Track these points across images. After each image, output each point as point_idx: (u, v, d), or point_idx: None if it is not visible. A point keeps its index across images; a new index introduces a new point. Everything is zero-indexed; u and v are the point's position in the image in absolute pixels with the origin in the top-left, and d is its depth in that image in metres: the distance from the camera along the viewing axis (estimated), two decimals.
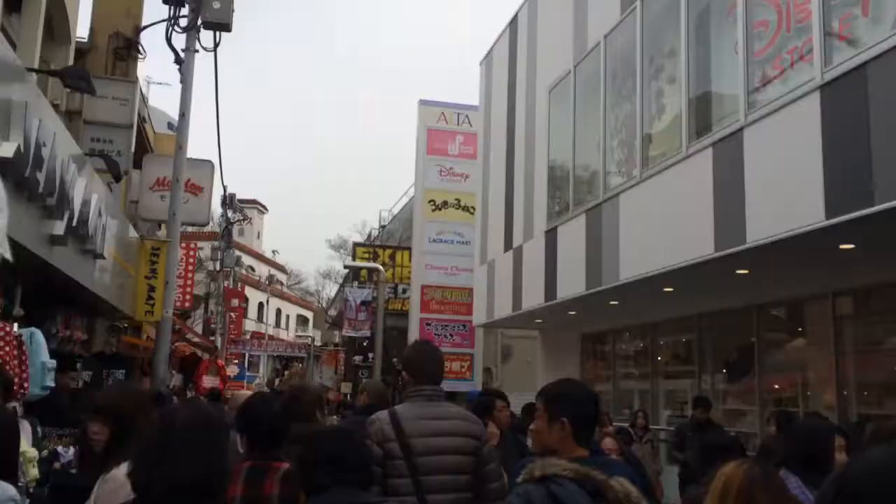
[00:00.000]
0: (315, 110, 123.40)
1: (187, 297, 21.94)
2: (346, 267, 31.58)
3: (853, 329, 8.53)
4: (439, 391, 3.47)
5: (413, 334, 20.12)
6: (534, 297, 12.91)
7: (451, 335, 20.58)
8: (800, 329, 9.46)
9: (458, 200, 21.41)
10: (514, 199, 14.41)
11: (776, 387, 9.51)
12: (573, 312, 13.21)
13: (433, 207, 21.43)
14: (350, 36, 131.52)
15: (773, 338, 9.92)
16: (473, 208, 18.94)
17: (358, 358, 29.43)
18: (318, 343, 46.80)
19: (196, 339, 24.65)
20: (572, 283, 11.31)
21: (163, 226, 14.07)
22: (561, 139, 12.41)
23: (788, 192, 6.80)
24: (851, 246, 7.08)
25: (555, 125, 12.66)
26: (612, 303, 11.69)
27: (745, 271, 8.61)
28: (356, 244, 32.34)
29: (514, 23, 15.02)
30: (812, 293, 8.82)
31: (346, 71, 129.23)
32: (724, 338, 10.94)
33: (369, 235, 36.83)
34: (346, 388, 28.39)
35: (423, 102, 22.08)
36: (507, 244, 14.57)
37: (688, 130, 8.64)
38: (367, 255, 28.32)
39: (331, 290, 49.40)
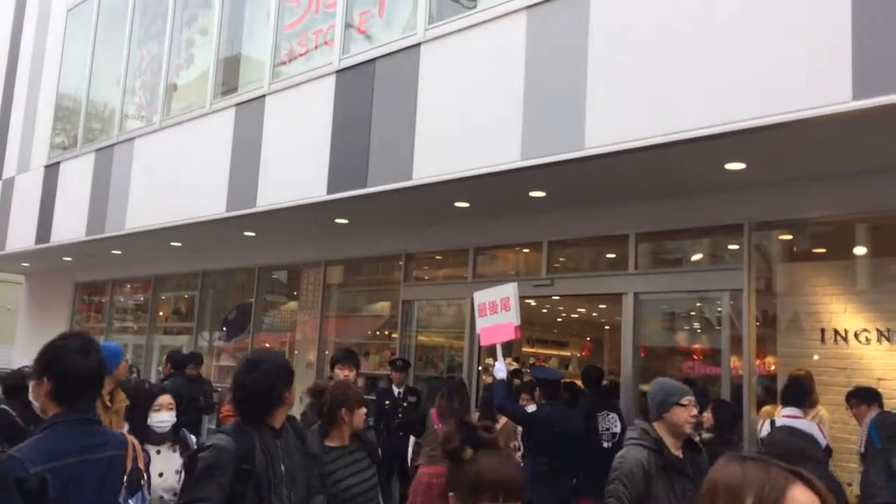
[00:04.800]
0: None
1: None
2: None
3: (338, 295, 9.53)
4: None
5: None
6: (23, 238, 11.44)
7: None
8: (295, 293, 10.20)
9: None
10: (11, 123, 12.55)
11: (267, 345, 10.10)
12: (69, 259, 12.09)
13: None
14: None
15: (272, 299, 10.52)
16: None
17: None
18: None
19: None
20: (72, 227, 10.32)
21: None
22: (76, 67, 11.18)
23: (299, 165, 7.24)
24: (346, 221, 7.89)
25: (70, 50, 11.36)
26: (114, 252, 11.02)
27: (253, 234, 8.94)
28: None
29: None
30: (309, 260, 9.57)
31: None
32: (226, 296, 11.22)
33: None
34: None
35: None
36: None
37: (214, 87, 8.57)
38: None
39: None
